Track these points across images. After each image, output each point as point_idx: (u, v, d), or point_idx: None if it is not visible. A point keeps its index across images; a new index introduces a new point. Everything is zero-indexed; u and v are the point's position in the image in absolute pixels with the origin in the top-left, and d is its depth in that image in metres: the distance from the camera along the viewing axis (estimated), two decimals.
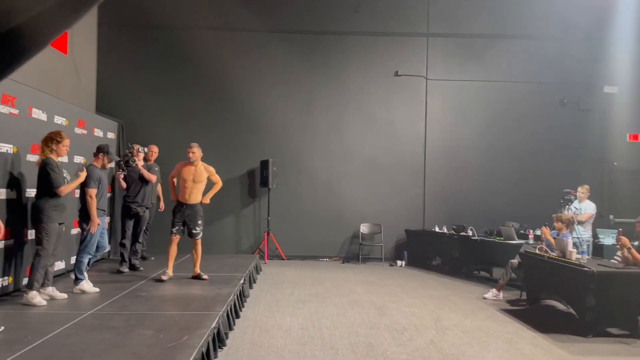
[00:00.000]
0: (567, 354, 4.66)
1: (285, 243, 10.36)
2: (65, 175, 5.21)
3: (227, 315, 5.05)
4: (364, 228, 10.50)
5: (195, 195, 6.42)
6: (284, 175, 10.40)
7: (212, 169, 6.61)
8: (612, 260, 5.95)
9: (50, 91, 6.38)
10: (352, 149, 10.69)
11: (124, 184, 6.97)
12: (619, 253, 5.77)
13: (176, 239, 6.48)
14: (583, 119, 10.69)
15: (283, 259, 10.24)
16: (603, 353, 4.71)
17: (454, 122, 10.81)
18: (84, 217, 5.69)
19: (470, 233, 8.83)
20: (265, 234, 10.17)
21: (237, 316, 5.59)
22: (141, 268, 7.02)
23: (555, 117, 10.69)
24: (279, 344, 4.74)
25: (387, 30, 10.74)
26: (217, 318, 4.50)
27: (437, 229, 9.75)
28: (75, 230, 6.57)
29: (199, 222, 6.45)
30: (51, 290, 5.19)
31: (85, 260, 5.67)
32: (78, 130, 6.82)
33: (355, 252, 10.44)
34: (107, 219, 6.43)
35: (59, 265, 6.35)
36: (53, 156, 5.08)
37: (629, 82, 10.39)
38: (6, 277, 5.12)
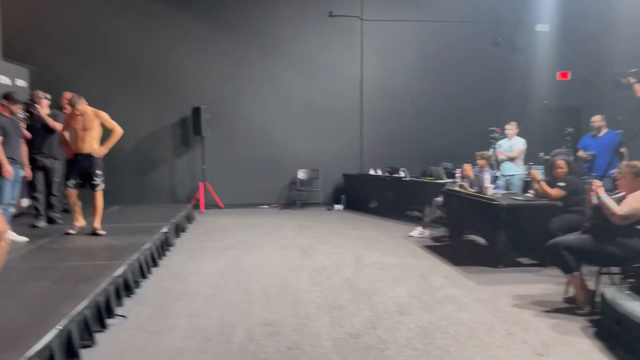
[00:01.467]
0: (473, 284, 4.81)
1: (223, 192, 10.21)
2: None
3: (140, 264, 4.94)
4: (301, 174, 10.45)
5: (89, 143, 5.89)
6: (219, 123, 10.12)
7: (104, 114, 6.05)
8: (526, 194, 6.11)
9: None
10: (288, 93, 10.47)
11: (27, 134, 6.49)
12: (535, 186, 5.90)
13: (73, 192, 5.97)
14: (515, 58, 10.76)
15: (221, 208, 10.12)
16: (508, 282, 4.89)
17: (390, 64, 10.70)
18: None
19: (402, 174, 8.91)
20: (201, 183, 9.98)
21: (156, 265, 5.49)
22: (61, 221, 6.75)
23: (489, 56, 10.71)
24: (191, 290, 4.70)
25: None
26: (123, 267, 4.37)
27: (372, 172, 9.80)
28: None
29: (97, 171, 5.93)
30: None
31: None
32: None
33: (294, 198, 10.43)
34: (26, 170, 6.05)
35: None
36: None
37: (559, 20, 10.46)
38: None
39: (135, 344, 3.44)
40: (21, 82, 7.61)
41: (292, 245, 6.65)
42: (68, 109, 6.17)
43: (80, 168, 5.89)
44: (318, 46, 10.50)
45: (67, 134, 6.11)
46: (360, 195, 10.09)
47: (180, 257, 6.01)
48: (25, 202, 7.27)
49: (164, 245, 6.16)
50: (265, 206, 10.41)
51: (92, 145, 5.91)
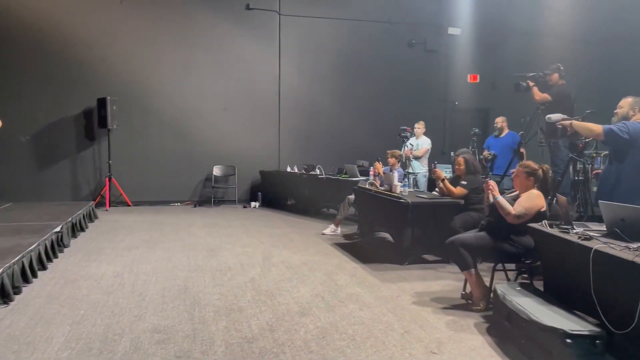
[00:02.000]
0: (377, 281, 4.81)
1: (132, 188, 9.70)
2: None
3: (23, 267, 4.50)
4: (216, 170, 10.14)
5: None
6: (127, 115, 9.59)
7: None
8: (433, 192, 6.23)
9: None
10: (203, 87, 10.11)
11: None
12: (439, 185, 6.02)
13: None
14: (429, 60, 11.06)
15: (129, 205, 9.60)
16: (411, 278, 4.94)
17: (307, 61, 10.63)
18: None
19: (318, 172, 8.86)
20: (107, 179, 9.40)
21: (44, 268, 5.04)
22: None
23: (404, 57, 10.93)
24: (80, 295, 4.33)
25: None
26: None
27: (289, 169, 9.69)
28: None
29: None
30: None
31: None
32: None
33: (208, 196, 10.10)
34: None
35: None
36: None
37: (471, 25, 10.85)
38: None
39: (5, 358, 3.09)
40: None
41: (199, 245, 6.38)
42: None
43: None
44: (235, 39, 10.22)
45: None
46: (277, 192, 9.95)
47: (73, 258, 5.57)
48: None
49: (56, 246, 5.69)
50: (177, 204, 10.00)
51: None
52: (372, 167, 7.54)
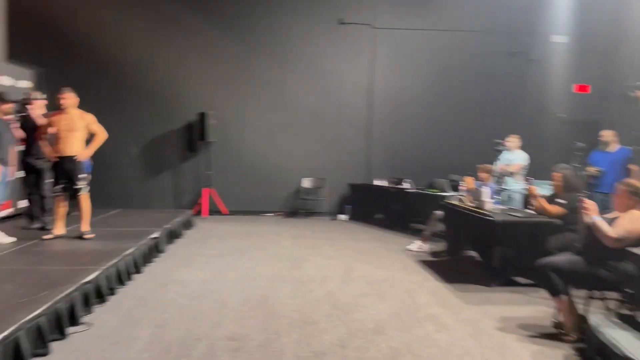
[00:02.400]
0: (460, 303, 4.58)
1: (228, 198, 10.13)
2: None
3: (119, 270, 4.85)
4: (306, 182, 10.30)
5: (72, 145, 5.75)
6: (224, 129, 10.06)
7: (90, 116, 5.92)
8: (527, 210, 5.84)
9: None
10: (295, 101, 10.35)
11: (21, 134, 6.45)
12: (533, 202, 5.64)
13: (61, 198, 5.89)
14: (529, 70, 10.43)
15: (224, 215, 10.04)
16: (498, 301, 4.65)
17: (400, 73, 10.51)
18: None
19: (407, 186, 8.68)
20: (205, 189, 9.91)
21: (139, 271, 5.40)
22: (50, 226, 6.64)
23: (502, 67, 10.41)
24: (168, 298, 4.58)
25: None
26: (95, 273, 4.28)
27: (377, 182, 9.60)
28: None
29: (80, 175, 5.81)
30: None
31: None
32: None
33: (298, 207, 10.27)
34: (10, 170, 5.99)
35: None
36: None
37: (576, 32, 10.12)
38: None
39: (91, 355, 3.33)
40: (24, 83, 7.65)
41: (284, 256, 6.49)
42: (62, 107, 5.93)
43: (64, 171, 5.78)
44: (327, 54, 10.37)
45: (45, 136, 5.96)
46: (366, 205, 9.88)
47: (166, 264, 5.91)
48: (23, 203, 7.28)
49: (153, 252, 6.07)
50: (269, 214, 10.28)
51: (76, 148, 5.78)
52: (462, 182, 7.25)
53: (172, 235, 7.19)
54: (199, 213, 9.80)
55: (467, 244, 6.42)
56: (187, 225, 8.30)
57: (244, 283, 5.14)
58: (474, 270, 5.78)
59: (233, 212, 10.10)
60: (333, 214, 10.22)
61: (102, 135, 5.92)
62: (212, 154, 10.00)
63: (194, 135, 10.12)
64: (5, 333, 2.86)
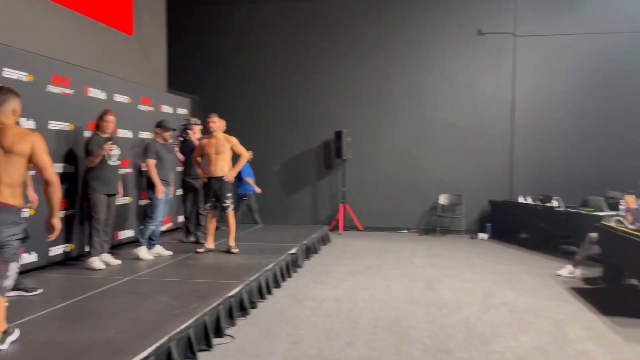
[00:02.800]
0: (619, 340, 4.06)
1: (363, 214, 10.24)
2: (116, 150, 5.55)
3: (260, 284, 5.11)
4: (443, 199, 10.01)
5: (221, 166, 6.32)
6: (359, 145, 10.22)
7: (234, 139, 6.44)
8: None
9: (114, 72, 6.86)
10: (431, 115, 10.18)
11: (180, 157, 7.24)
12: None
13: (210, 214, 6.46)
14: None
15: (360, 230, 10.14)
16: None
17: (545, 82, 9.80)
18: (149, 186, 6.11)
19: (555, 203, 8.00)
20: (341, 205, 10.12)
21: (278, 286, 5.64)
22: (203, 240, 7.25)
23: None
24: (303, 315, 4.72)
25: None
26: (238, 287, 4.57)
27: (522, 200, 8.99)
28: (145, 201, 7.03)
29: (227, 194, 6.36)
30: (106, 256, 5.64)
31: (150, 227, 6.07)
32: (142, 107, 7.25)
33: (434, 224, 10.01)
34: (171, 190, 6.70)
35: (127, 233, 6.88)
36: (99, 132, 5.48)
37: None
38: (68, 244, 5.67)
39: None
40: (182, 110, 8.53)
41: (418, 275, 6.34)
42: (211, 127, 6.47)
43: (213, 190, 6.34)
44: (464, 65, 10.05)
45: (199, 159, 6.57)
46: (508, 224, 9.31)
47: (303, 279, 6.11)
48: (179, 219, 8.08)
49: (291, 267, 6.32)
50: (404, 231, 10.16)
51: (224, 169, 6.34)
52: (622, 201, 6.49)
53: (309, 251, 7.42)
54: (335, 229, 10.02)
55: (628, 271, 5.70)
56: (324, 240, 8.52)
57: (376, 303, 5.11)
58: (636, 302, 5.10)
59: (368, 228, 10.16)
60: (472, 232, 9.78)
61: (245, 155, 6.39)
62: (348, 170, 10.19)
63: (331, 153, 10.42)
64: (158, 343, 3.15)
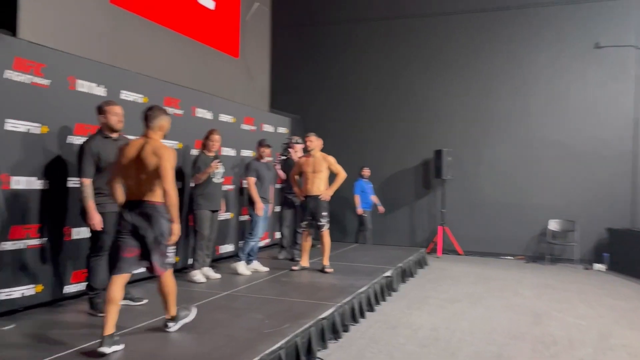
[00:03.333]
0: None
1: (464, 238, 9.79)
2: (220, 168, 5.78)
3: (353, 307, 5.01)
4: (553, 224, 9.29)
5: (318, 185, 6.32)
6: (460, 166, 9.83)
7: (331, 158, 6.41)
8: None
9: (221, 93, 7.18)
10: (539, 135, 9.54)
11: (282, 174, 7.36)
12: None
13: (306, 233, 6.48)
14: None
15: (460, 254, 9.70)
16: None
17: None
18: (250, 203, 6.29)
19: None
20: (439, 227, 9.75)
21: (372, 310, 5.50)
22: (298, 258, 7.28)
23: None
24: (397, 343, 4.53)
25: None
26: (331, 309, 4.50)
27: None
28: (245, 217, 7.25)
29: (323, 213, 6.32)
30: (207, 269, 5.85)
31: (250, 244, 6.24)
32: (245, 127, 7.52)
33: (543, 252, 9.31)
34: (270, 207, 6.84)
35: (227, 248, 7.11)
36: (205, 151, 5.73)
37: None
38: (173, 257, 5.96)
39: None
40: (282, 129, 8.75)
41: (524, 307, 5.88)
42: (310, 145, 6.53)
43: (309, 209, 6.36)
44: (579, 82, 9.34)
45: (296, 177, 6.63)
46: (630, 255, 8.38)
47: (398, 304, 5.91)
48: (277, 236, 8.22)
49: (385, 290, 6.15)
50: (509, 257, 9.55)
51: (320, 187, 6.34)
52: None
53: (405, 274, 7.19)
54: (433, 251, 9.67)
55: None
56: (421, 264, 8.24)
57: (476, 335, 4.79)
58: None
59: (468, 253, 9.69)
60: (586, 262, 8.95)
61: (342, 175, 6.36)
62: (448, 191, 9.83)
63: (430, 173, 10.12)
64: None
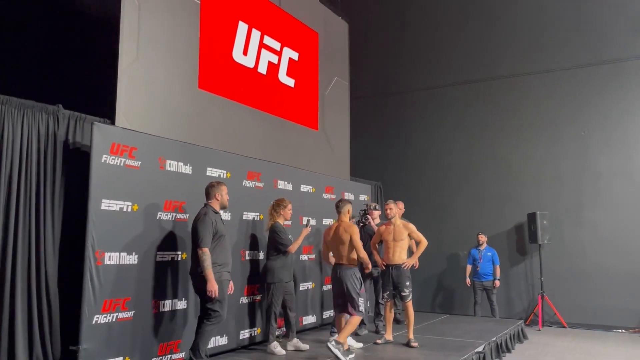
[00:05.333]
0: None
1: (567, 308, 8.94)
2: (289, 237, 5.83)
3: None
4: None
5: (399, 254, 6.10)
6: (558, 229, 9.17)
7: (412, 226, 6.21)
8: None
9: (301, 164, 7.37)
10: None
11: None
12: None
13: (389, 303, 6.23)
14: None
15: (564, 327, 8.84)
16: None
17: None
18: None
19: None
20: (539, 296, 9.00)
21: None
22: (382, 331, 6.94)
23: None
24: None
25: None
26: None
27: None
28: (328, 286, 7.18)
29: (407, 283, 6.06)
30: (295, 341, 5.76)
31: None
32: (326, 196, 7.60)
33: None
34: None
35: (310, 319, 7.02)
36: (280, 220, 5.81)
37: None
38: (255, 329, 5.97)
39: None
40: (363, 197, 8.73)
41: None
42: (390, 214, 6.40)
43: (392, 278, 6.15)
44: None
45: (376, 245, 6.47)
46: None
47: None
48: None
49: None
50: (620, 330, 8.54)
51: (402, 256, 6.14)
52: None
53: (501, 349, 6.63)
54: (533, 323, 8.92)
55: None
56: (519, 337, 7.58)
57: None
58: None
59: (573, 325, 8.81)
60: None
61: (424, 243, 6.15)
62: (545, 257, 9.14)
63: (524, 237, 9.53)
64: None
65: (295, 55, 7.75)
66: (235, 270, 5.35)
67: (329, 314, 7.35)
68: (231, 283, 4.86)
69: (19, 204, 4.35)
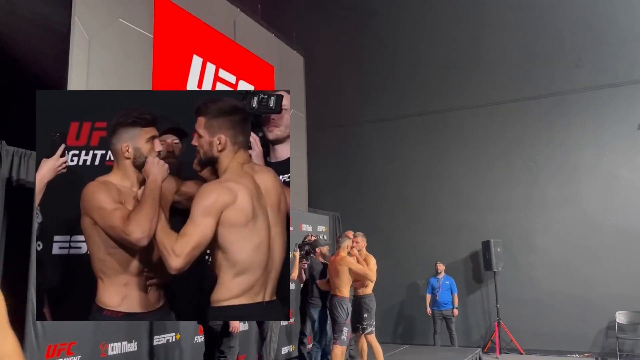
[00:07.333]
0: None
1: (522, 334, 9.08)
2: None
3: None
4: (620, 317, 8.53)
5: (355, 286, 6.13)
6: (512, 256, 9.37)
7: (371, 259, 6.23)
8: None
9: None
10: (593, 220, 9.04)
11: (302, 277, 6.75)
12: None
13: (357, 336, 6.19)
14: None
15: (520, 353, 8.96)
16: None
17: None
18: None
19: None
20: (496, 323, 9.13)
21: None
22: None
23: None
24: None
25: (616, 80, 9.13)
26: None
27: None
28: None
29: (364, 315, 6.01)
30: None
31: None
32: None
33: (612, 347, 8.47)
34: None
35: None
36: None
37: None
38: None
39: None
40: (321, 228, 8.73)
41: None
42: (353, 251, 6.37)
43: (354, 311, 6.10)
44: (627, 163, 8.96)
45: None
46: None
47: None
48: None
49: None
50: (574, 355, 8.73)
51: (359, 289, 6.14)
52: None
53: None
54: (490, 351, 9.01)
55: None
56: None
57: None
58: None
59: (529, 351, 8.95)
60: None
61: (369, 277, 5.98)
62: (501, 284, 9.29)
63: (480, 265, 9.70)
64: None
65: (251, 88, 7.79)
66: None
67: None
68: None
69: None
